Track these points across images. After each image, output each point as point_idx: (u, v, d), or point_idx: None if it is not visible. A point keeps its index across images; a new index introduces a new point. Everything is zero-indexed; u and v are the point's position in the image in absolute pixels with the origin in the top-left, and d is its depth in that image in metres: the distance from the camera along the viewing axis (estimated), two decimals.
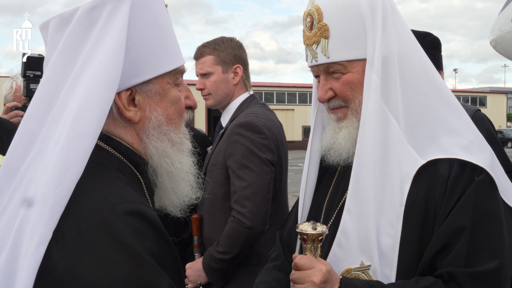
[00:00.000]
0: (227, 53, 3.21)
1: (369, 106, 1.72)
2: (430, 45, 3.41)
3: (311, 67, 1.87)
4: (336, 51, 1.76)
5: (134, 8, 1.38)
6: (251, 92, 3.33)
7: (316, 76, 1.90)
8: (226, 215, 2.99)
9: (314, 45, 1.80)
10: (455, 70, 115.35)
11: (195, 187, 1.57)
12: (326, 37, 1.77)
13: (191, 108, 1.59)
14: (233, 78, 3.21)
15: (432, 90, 1.78)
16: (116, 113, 1.40)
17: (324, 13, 1.77)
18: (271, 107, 3.46)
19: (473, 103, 65.50)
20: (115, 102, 1.37)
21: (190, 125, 3.74)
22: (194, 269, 3.08)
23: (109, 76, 1.30)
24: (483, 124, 3.36)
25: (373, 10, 1.74)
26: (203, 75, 3.22)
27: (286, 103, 49.39)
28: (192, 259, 3.21)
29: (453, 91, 69.56)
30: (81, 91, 1.28)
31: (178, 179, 1.52)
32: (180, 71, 1.52)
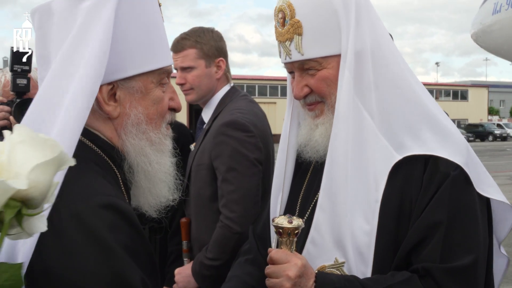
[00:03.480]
0: (210, 46, 3.07)
1: (342, 102, 1.71)
2: None
3: (285, 64, 1.84)
4: (310, 48, 1.73)
5: (122, 2, 1.36)
6: (232, 84, 3.22)
7: (290, 72, 1.87)
8: (214, 216, 2.90)
9: (287, 42, 1.77)
10: (437, 63, 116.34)
11: (173, 189, 1.55)
12: (300, 34, 1.73)
13: (175, 110, 1.55)
14: (216, 72, 3.08)
15: (405, 83, 1.77)
16: (96, 106, 1.38)
17: (296, 9, 1.73)
18: None
19: (455, 97, 66.29)
20: None
21: None
22: (184, 274, 3.00)
23: (94, 69, 1.28)
24: None
25: (346, 4, 1.71)
26: (184, 69, 3.08)
27: (268, 96, 49.44)
28: (181, 263, 3.15)
29: (435, 84, 70.59)
30: (67, 83, 1.28)
31: (156, 180, 1.50)
32: (166, 71, 1.50)
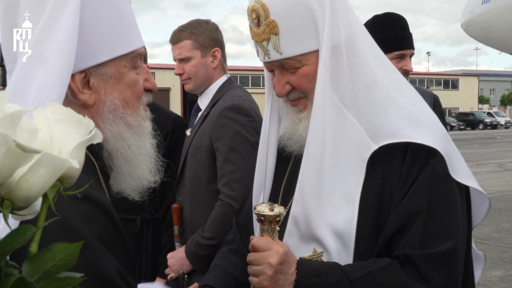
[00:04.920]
0: (205, 36, 3.16)
1: (317, 97, 1.71)
2: (403, 26, 3.45)
3: (265, 63, 1.83)
4: (288, 46, 1.72)
5: None
6: (228, 75, 3.30)
7: (270, 71, 1.86)
8: (211, 198, 2.98)
9: (264, 42, 1.75)
10: (428, 53, 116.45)
11: (154, 170, 1.54)
12: (276, 34, 1.71)
13: (151, 91, 1.54)
14: (212, 62, 3.18)
15: (380, 73, 1.76)
16: (70, 95, 1.37)
17: (270, 9, 1.71)
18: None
19: (446, 86, 66.50)
20: (69, 84, 1.34)
21: (161, 105, 3.70)
22: (177, 258, 3.05)
23: (62, 59, 1.27)
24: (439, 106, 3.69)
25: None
26: (182, 60, 3.19)
27: (261, 87, 49.43)
28: (173, 248, 3.18)
29: (426, 74, 70.64)
30: (40, 75, 1.26)
31: (135, 163, 1.48)
32: (138, 54, 1.48)
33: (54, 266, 0.71)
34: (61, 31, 1.29)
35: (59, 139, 0.78)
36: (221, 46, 3.23)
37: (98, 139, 0.80)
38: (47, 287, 0.70)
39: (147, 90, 1.53)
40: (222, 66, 3.24)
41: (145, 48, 1.52)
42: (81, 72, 1.36)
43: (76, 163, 0.74)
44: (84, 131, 0.80)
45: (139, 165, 1.49)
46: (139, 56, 1.48)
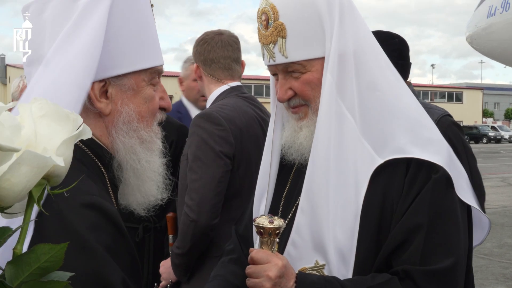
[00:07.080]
0: (193, 52, 3.24)
1: (324, 106, 1.70)
2: (394, 53, 3.02)
3: (269, 66, 1.83)
4: (294, 50, 1.72)
5: (116, 1, 1.38)
6: (232, 84, 3.19)
7: (274, 74, 1.86)
8: None
9: (271, 44, 1.76)
10: (432, 65, 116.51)
11: (162, 188, 1.54)
12: (283, 37, 1.72)
13: (165, 109, 1.57)
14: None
15: (387, 86, 1.76)
16: (88, 103, 1.39)
17: (279, 12, 1.72)
18: None
19: (450, 99, 66.49)
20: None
21: (166, 114, 3.73)
22: (166, 266, 3.11)
23: (85, 63, 1.30)
24: (451, 130, 3.17)
25: (330, 7, 1.70)
26: None
27: (264, 96, 49.50)
28: (168, 257, 3.21)
29: (430, 86, 70.77)
30: (57, 75, 1.29)
31: (144, 177, 1.49)
32: (157, 71, 1.51)
33: (39, 268, 0.69)
34: (86, 37, 1.32)
35: (44, 136, 0.75)
36: (204, 60, 3.16)
37: (87, 135, 0.78)
38: None
39: (161, 109, 1.55)
40: (211, 78, 3.17)
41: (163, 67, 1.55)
42: (101, 81, 1.39)
43: (61, 161, 0.70)
44: (72, 127, 0.77)
45: (147, 180, 1.50)
46: (157, 73, 1.51)
